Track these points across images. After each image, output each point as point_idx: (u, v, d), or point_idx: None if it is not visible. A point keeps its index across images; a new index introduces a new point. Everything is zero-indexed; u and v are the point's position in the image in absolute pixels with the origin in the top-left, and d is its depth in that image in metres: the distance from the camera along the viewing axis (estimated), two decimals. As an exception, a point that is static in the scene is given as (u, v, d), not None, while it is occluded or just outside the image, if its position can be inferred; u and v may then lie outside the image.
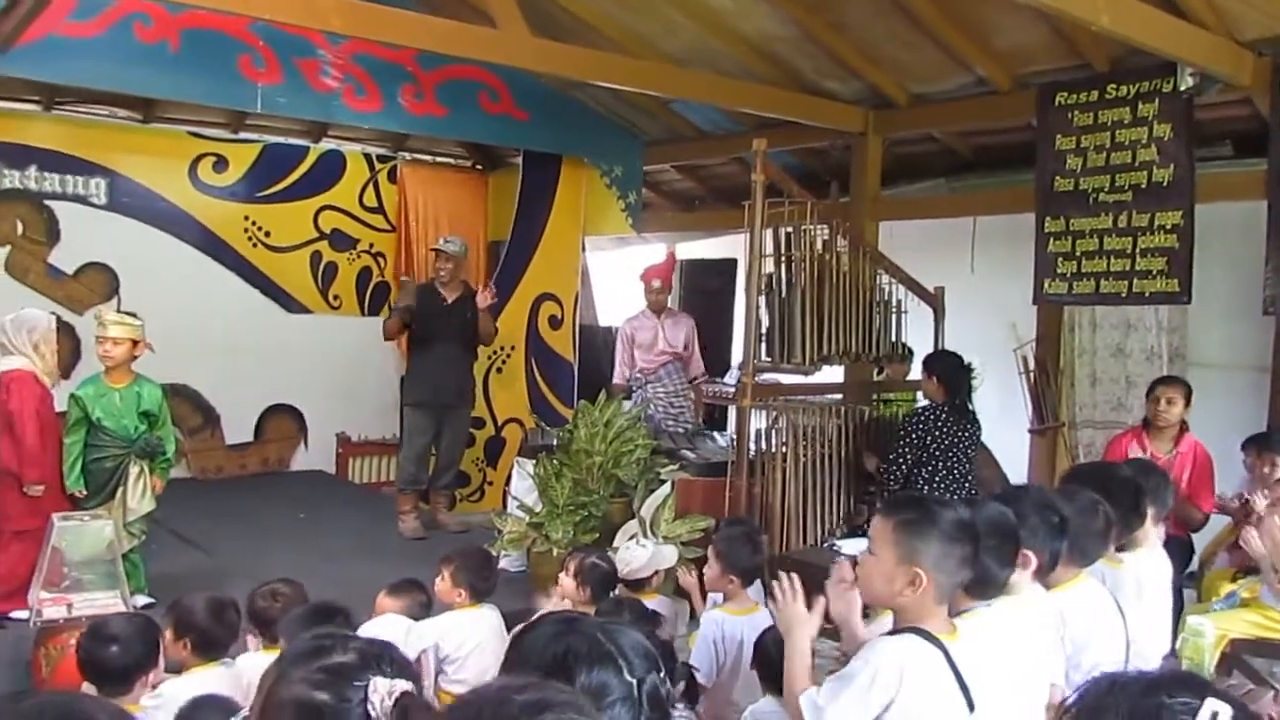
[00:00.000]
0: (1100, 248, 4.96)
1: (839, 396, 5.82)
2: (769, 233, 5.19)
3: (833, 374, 6.02)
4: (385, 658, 1.39)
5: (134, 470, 4.79)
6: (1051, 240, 5.17)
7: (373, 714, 1.29)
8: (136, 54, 5.47)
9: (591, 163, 7.44)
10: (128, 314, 5.02)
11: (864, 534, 4.95)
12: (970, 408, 5.27)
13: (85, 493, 4.69)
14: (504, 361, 7.70)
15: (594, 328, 8.21)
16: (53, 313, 5.07)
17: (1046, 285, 5.23)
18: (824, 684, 2.20)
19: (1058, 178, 5.11)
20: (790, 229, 5.24)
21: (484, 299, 6.63)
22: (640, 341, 6.96)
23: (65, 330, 6.85)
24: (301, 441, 8.38)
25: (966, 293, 6.31)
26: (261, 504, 7.15)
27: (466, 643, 3.61)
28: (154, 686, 2.97)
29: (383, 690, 1.31)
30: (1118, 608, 2.95)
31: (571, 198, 7.55)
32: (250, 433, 8.15)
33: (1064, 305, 5.80)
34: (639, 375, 7.01)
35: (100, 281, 7.41)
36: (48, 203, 7.21)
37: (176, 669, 3.18)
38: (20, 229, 7.14)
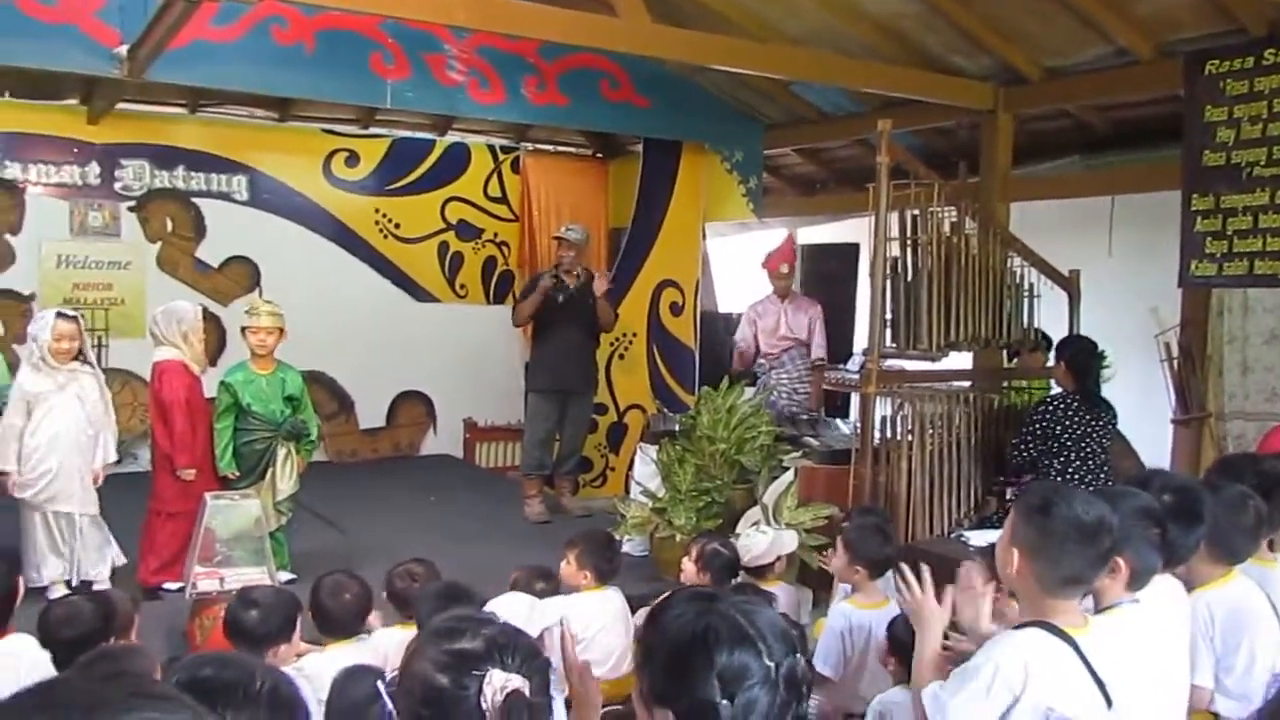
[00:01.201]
0: (1255, 226, 4.69)
1: (967, 384, 5.67)
2: (894, 216, 5.08)
3: (961, 361, 5.86)
4: (512, 647, 1.41)
5: (281, 452, 5.00)
6: (1199, 219, 4.91)
7: (484, 706, 1.32)
8: (274, 56, 5.70)
9: (712, 148, 7.41)
10: (272, 304, 5.24)
11: (993, 525, 4.87)
12: (1103, 396, 5.07)
13: (238, 474, 4.93)
14: (626, 348, 7.76)
15: (715, 314, 8.19)
16: (200, 304, 5.34)
17: (1193, 267, 4.97)
18: (950, 678, 2.16)
19: (1207, 152, 4.84)
20: (916, 211, 5.12)
21: (600, 285, 6.69)
22: (763, 326, 6.92)
23: (212, 320, 7.27)
24: (431, 427, 8.63)
25: (1104, 276, 6.05)
26: (393, 487, 7.39)
27: (593, 624, 3.68)
28: (297, 657, 3.11)
29: (496, 684, 1.33)
30: (1273, 609, 2.80)
31: (692, 184, 7.54)
32: (383, 418, 8.43)
33: (1212, 288, 5.49)
34: (762, 361, 6.98)
35: (243, 274, 7.76)
36: (194, 200, 7.59)
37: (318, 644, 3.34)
38: (170, 226, 7.53)
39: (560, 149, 8.87)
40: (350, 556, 5.17)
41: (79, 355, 4.78)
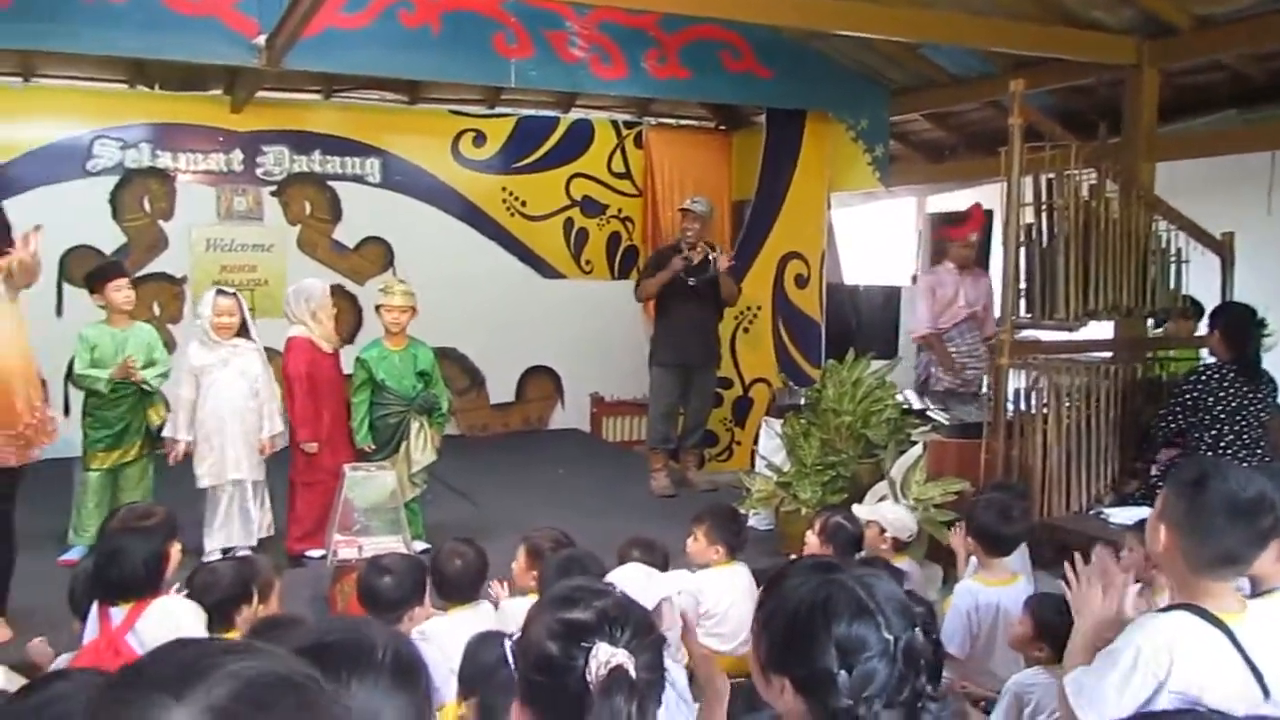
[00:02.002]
0: None
1: (1108, 355, 5.43)
2: (1028, 180, 4.89)
3: (1101, 330, 5.61)
4: (623, 621, 1.42)
5: (414, 425, 5.17)
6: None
7: (588, 678, 1.34)
8: (402, 40, 5.84)
9: (836, 116, 7.27)
10: (404, 282, 5.40)
11: (1135, 503, 4.66)
12: (1262, 367, 4.78)
13: (373, 447, 5.11)
14: (750, 322, 7.70)
15: (840, 286, 8.06)
16: (337, 284, 5.54)
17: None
18: (1094, 661, 2.08)
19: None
20: (1052, 175, 4.92)
21: (721, 264, 6.65)
22: (940, 297, 6.63)
23: (348, 299, 7.56)
24: (559, 401, 8.78)
25: (1263, 237, 5.70)
26: (523, 460, 7.55)
27: (723, 599, 3.69)
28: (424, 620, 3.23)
29: (601, 658, 1.34)
30: None
31: (816, 153, 7.41)
32: (512, 393, 8.61)
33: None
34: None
35: (377, 254, 8.02)
36: (330, 183, 7.87)
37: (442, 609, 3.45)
38: (309, 209, 7.83)
39: (683, 122, 8.84)
40: (481, 528, 5.30)
41: (241, 331, 5.04)
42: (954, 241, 6.70)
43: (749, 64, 6.74)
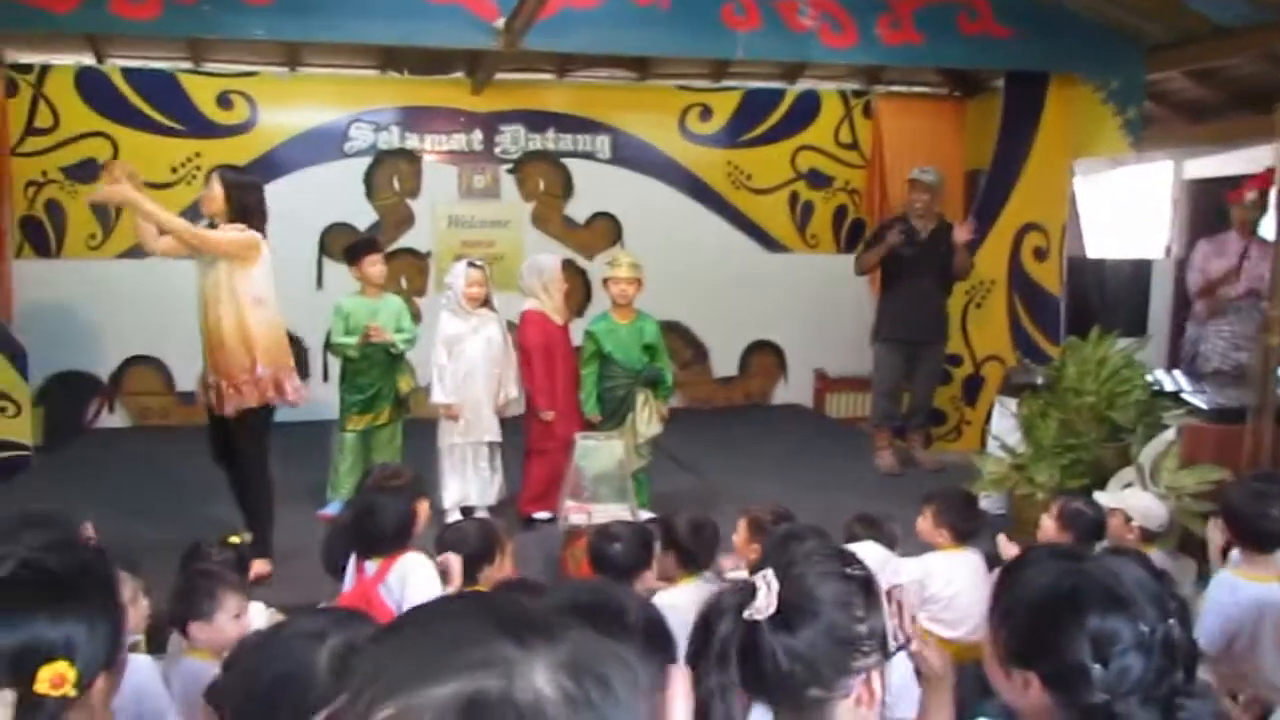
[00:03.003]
0: None
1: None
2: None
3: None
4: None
5: (640, 398, 5.30)
6: None
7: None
8: (632, 17, 5.94)
9: (1084, 78, 6.82)
10: (632, 256, 5.53)
11: None
12: None
13: (600, 417, 5.28)
14: (983, 296, 7.39)
15: (1082, 259, 7.59)
16: (568, 259, 5.74)
17: None
18: None
19: None
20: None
21: (962, 234, 6.41)
22: (1214, 268, 6.15)
23: (578, 274, 7.81)
24: (782, 376, 8.74)
25: None
26: (746, 434, 7.58)
27: (954, 582, 3.58)
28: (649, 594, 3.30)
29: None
30: None
31: (1059, 118, 6.99)
32: (735, 367, 8.65)
33: None
34: (1198, 309, 6.31)
35: (606, 229, 8.23)
36: (562, 161, 8.13)
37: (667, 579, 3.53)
38: (542, 186, 8.13)
39: (914, 90, 8.55)
40: (705, 499, 5.38)
41: (486, 302, 5.32)
42: (1232, 205, 6.15)
43: (987, 25, 6.43)
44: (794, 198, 8.56)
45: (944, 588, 3.63)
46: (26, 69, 7.15)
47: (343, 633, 1.42)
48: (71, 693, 1.29)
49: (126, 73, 7.32)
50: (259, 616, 3.16)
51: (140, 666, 2.51)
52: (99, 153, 7.14)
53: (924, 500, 3.95)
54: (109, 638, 1.34)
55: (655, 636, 1.31)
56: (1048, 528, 3.70)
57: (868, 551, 3.45)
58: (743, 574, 3.55)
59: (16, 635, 1.27)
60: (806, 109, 8.48)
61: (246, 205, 4.53)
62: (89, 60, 7.28)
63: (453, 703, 0.69)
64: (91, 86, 7.25)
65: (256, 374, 4.48)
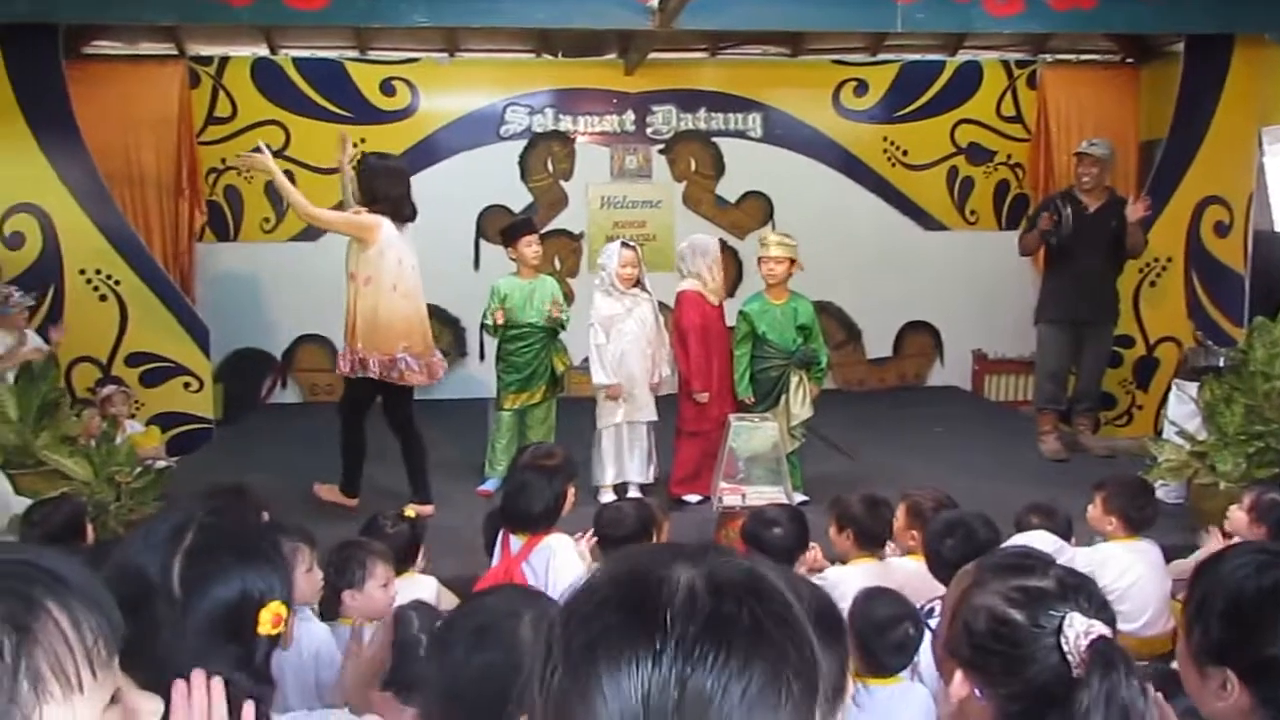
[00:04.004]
0: None
1: None
2: None
3: None
4: (1084, 591, 1.35)
5: (794, 379, 5.24)
6: None
7: (1065, 648, 1.27)
8: (788, -8, 5.85)
9: (1275, 38, 6.34)
10: (784, 235, 5.46)
11: None
12: None
13: (753, 399, 5.24)
14: (1158, 274, 7.00)
15: (1270, 234, 7.07)
16: (719, 238, 5.71)
17: None
18: None
19: None
20: None
21: (1136, 212, 6.07)
22: None
23: (729, 253, 7.76)
24: (938, 358, 8.50)
25: None
26: (900, 417, 7.41)
27: (1128, 573, 3.42)
28: (818, 572, 3.27)
29: (1079, 627, 1.28)
30: None
31: (1245, 83, 6.51)
32: (889, 348, 8.46)
33: None
34: None
35: (757, 208, 8.16)
36: (714, 140, 8.09)
37: (839, 559, 3.48)
38: (693, 165, 8.11)
39: (1084, 58, 8.15)
40: (860, 482, 5.27)
41: (639, 282, 5.36)
42: None
43: (1165, -15, 6.06)
44: (953, 173, 8.28)
45: (1118, 578, 3.47)
46: (207, 61, 7.57)
47: (534, 607, 1.46)
48: (284, 629, 1.43)
49: (298, 62, 7.66)
50: (425, 587, 3.28)
51: (317, 633, 2.64)
52: (272, 139, 7.46)
53: (1095, 487, 3.79)
54: (289, 585, 1.49)
55: (825, 617, 1.29)
56: (1239, 520, 3.49)
57: (1040, 540, 3.33)
58: (901, 559, 3.48)
59: (232, 587, 1.40)
60: (967, 81, 8.19)
61: (375, 190, 4.94)
62: (263, 51, 7.66)
63: None
64: (266, 76, 7.62)
65: (353, 347, 4.93)
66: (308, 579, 2.65)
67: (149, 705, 0.82)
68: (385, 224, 4.87)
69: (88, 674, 0.75)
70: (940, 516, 3.28)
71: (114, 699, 0.78)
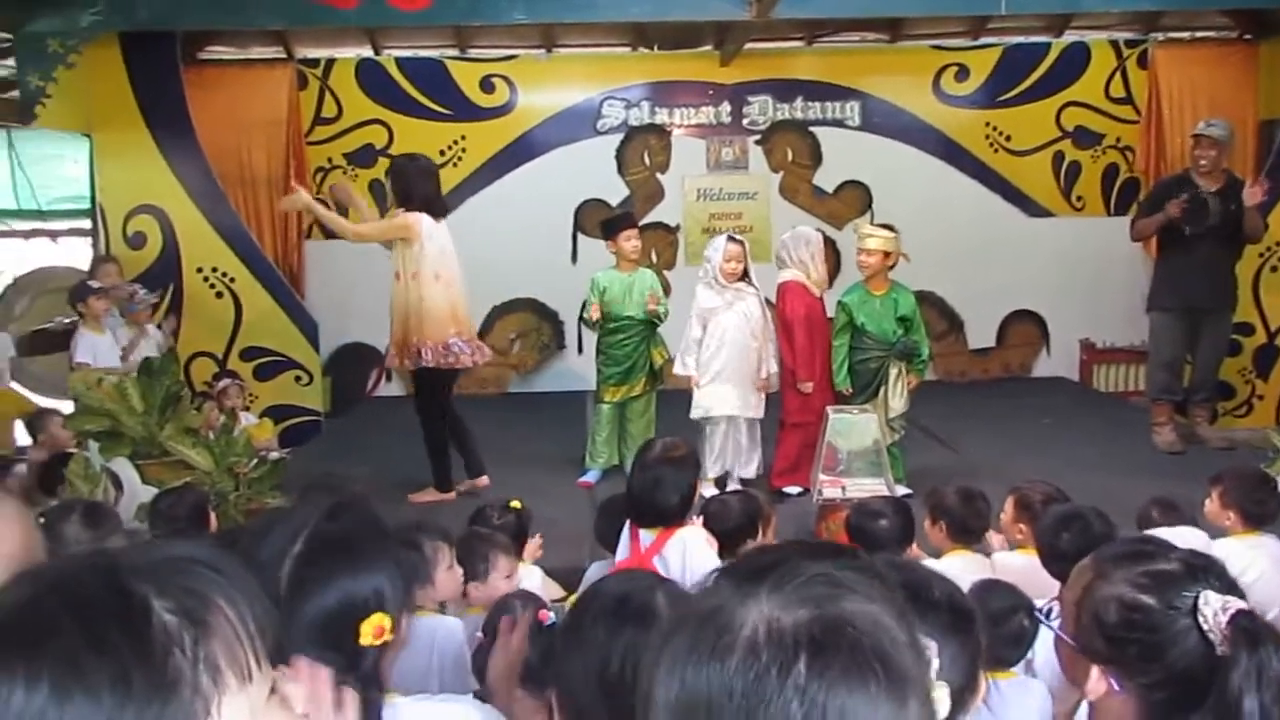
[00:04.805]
0: None
1: None
2: None
3: None
4: (1213, 571, 1.32)
5: (893, 371, 5.18)
6: None
7: (1204, 626, 1.24)
8: (888, -24, 5.77)
9: None
10: (884, 226, 5.39)
11: None
12: None
13: (852, 390, 5.20)
14: (1279, 260, 6.71)
15: None
16: (818, 229, 5.66)
17: None
18: None
19: None
20: None
21: (1254, 195, 5.81)
22: None
23: (828, 244, 7.68)
24: (1043, 347, 8.28)
25: None
26: (1005, 408, 7.25)
27: (1249, 570, 3.29)
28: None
29: (1215, 605, 1.25)
30: None
31: (1378, 57, 6.21)
32: (992, 338, 8.27)
33: None
34: None
35: (856, 198, 8.06)
36: (811, 129, 8.01)
37: (933, 553, 3.43)
38: (790, 156, 8.05)
39: (1198, 35, 7.84)
40: (963, 474, 5.17)
41: (744, 276, 5.35)
42: None
43: (1288, -43, 5.80)
44: (1058, 158, 8.05)
45: (1239, 575, 3.29)
46: (314, 63, 7.79)
47: (664, 587, 1.47)
48: (389, 639, 1.41)
49: (400, 62, 7.83)
50: (531, 577, 3.33)
51: (452, 629, 2.68)
52: (377, 139, 7.69)
53: (1212, 480, 3.65)
54: (402, 581, 1.46)
55: (961, 613, 1.28)
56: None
57: (1188, 536, 3.22)
58: (1009, 553, 3.42)
59: (332, 596, 1.38)
60: (1073, 63, 7.94)
61: (409, 191, 5.18)
62: (367, 52, 7.85)
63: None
64: (370, 77, 7.80)
65: (408, 342, 5.16)
66: (449, 576, 2.71)
67: (298, 693, 0.85)
68: (424, 218, 5.13)
69: (255, 664, 0.78)
70: (1053, 510, 3.20)
71: (272, 689, 0.81)
